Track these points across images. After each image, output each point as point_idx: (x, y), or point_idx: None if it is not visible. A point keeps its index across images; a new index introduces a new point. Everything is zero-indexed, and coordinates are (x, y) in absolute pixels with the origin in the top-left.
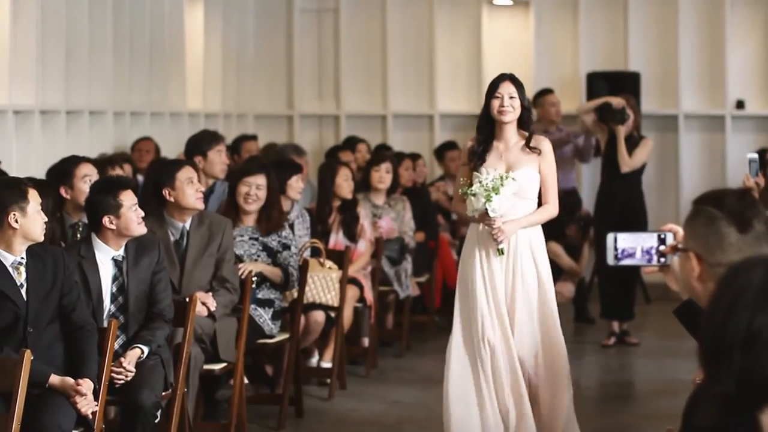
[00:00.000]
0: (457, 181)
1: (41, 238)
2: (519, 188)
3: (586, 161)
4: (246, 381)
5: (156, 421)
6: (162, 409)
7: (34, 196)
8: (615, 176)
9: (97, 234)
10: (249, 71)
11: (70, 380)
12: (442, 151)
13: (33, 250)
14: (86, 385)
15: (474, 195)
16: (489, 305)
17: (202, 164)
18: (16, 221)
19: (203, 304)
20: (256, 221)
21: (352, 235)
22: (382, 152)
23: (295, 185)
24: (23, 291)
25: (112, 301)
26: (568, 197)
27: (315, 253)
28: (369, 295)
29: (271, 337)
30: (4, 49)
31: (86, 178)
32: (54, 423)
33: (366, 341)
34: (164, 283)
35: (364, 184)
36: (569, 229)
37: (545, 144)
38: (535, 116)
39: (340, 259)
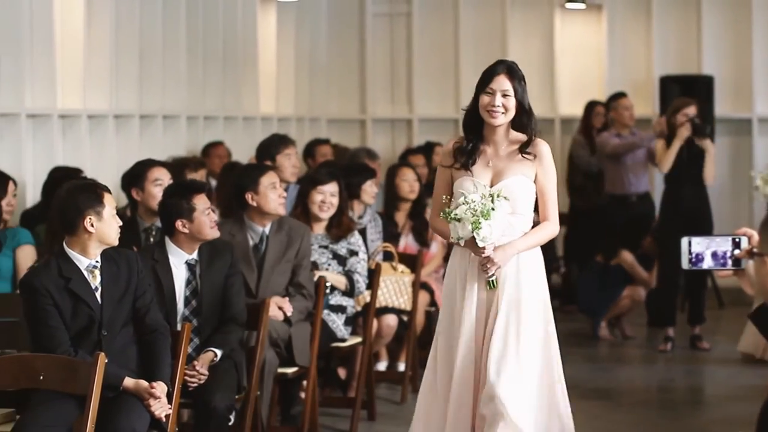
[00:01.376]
0: (436, 190)
1: (116, 243)
2: (510, 202)
3: None
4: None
5: (229, 424)
6: (235, 412)
7: (109, 201)
8: (682, 182)
9: (171, 237)
10: (322, 75)
11: (144, 383)
12: None
13: (107, 254)
14: (160, 387)
15: (458, 220)
16: (476, 344)
17: None
18: (92, 225)
19: (279, 308)
20: (326, 228)
21: (422, 238)
22: None
23: (369, 190)
24: (98, 294)
25: (185, 305)
26: (642, 202)
27: (387, 257)
28: (440, 299)
29: (344, 341)
30: (79, 54)
31: (158, 181)
32: (128, 426)
33: None
34: (237, 286)
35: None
36: (645, 240)
37: (542, 146)
38: (611, 120)
39: (413, 262)
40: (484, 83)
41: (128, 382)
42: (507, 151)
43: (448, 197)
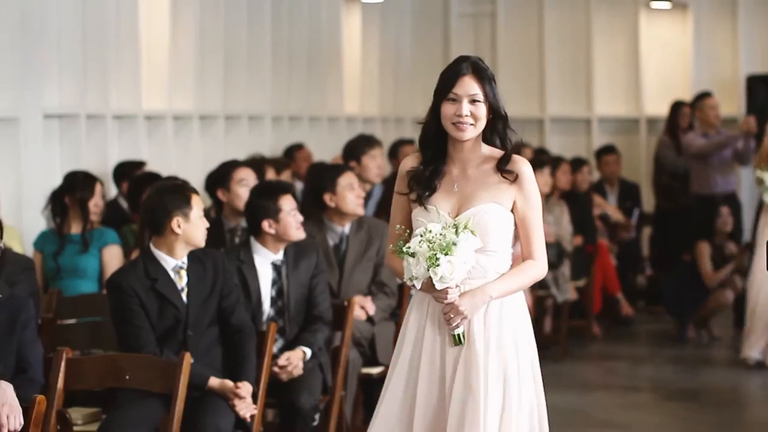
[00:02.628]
0: (392, 219)
1: (203, 244)
2: (479, 236)
3: (746, 164)
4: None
5: (314, 424)
6: (320, 412)
7: (197, 202)
8: None
9: (257, 238)
10: (406, 75)
11: (230, 383)
12: (600, 155)
13: (193, 254)
14: (245, 388)
15: (412, 255)
16: (434, 414)
17: (357, 169)
18: (179, 226)
19: (362, 308)
20: None
21: None
22: (542, 156)
23: None
24: (184, 295)
25: (271, 305)
26: (728, 202)
27: None
28: (527, 300)
29: None
30: (164, 55)
31: (243, 181)
32: (213, 425)
33: None
34: (322, 286)
35: None
36: (729, 245)
37: (522, 165)
38: (694, 120)
39: None
40: (445, 88)
41: (213, 381)
42: (477, 172)
43: (403, 227)
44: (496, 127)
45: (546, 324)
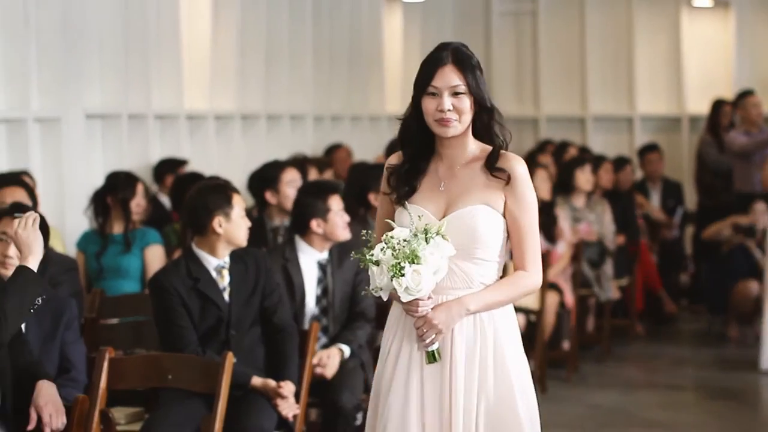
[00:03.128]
0: (377, 223)
1: (245, 244)
2: (466, 241)
3: None
4: None
5: (357, 423)
6: (362, 411)
7: (238, 202)
8: None
9: (303, 237)
10: None
11: (272, 382)
12: (643, 153)
13: (236, 254)
14: (287, 387)
15: (376, 264)
16: None
17: None
18: (220, 226)
19: None
20: None
21: (551, 236)
22: (585, 154)
23: None
24: (226, 294)
25: (316, 303)
26: None
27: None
28: (569, 299)
29: None
30: (205, 54)
31: (292, 182)
32: (256, 424)
33: (566, 345)
34: (366, 283)
35: (564, 187)
36: None
37: (515, 164)
38: (737, 118)
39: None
40: (424, 81)
41: (256, 381)
42: (466, 170)
43: (369, 232)
44: (482, 121)
45: (589, 323)
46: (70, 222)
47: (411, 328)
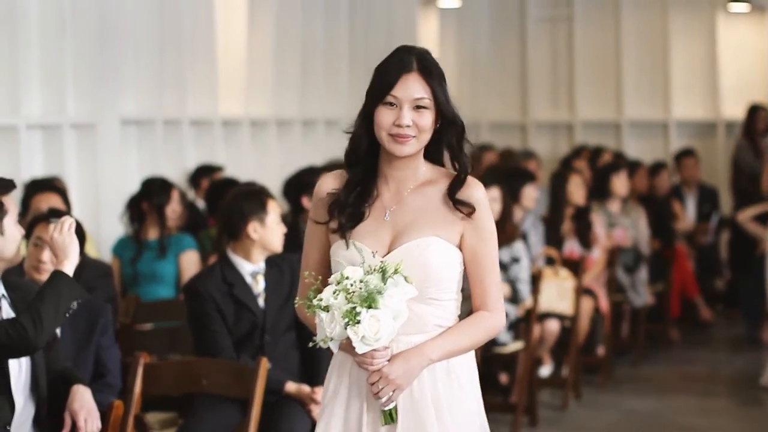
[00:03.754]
0: (304, 256)
1: (280, 249)
2: (417, 279)
3: None
4: None
5: None
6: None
7: (273, 207)
8: None
9: None
10: (483, 80)
11: (307, 388)
12: (679, 158)
13: (271, 259)
14: (321, 393)
15: (325, 310)
16: None
17: None
18: (255, 231)
19: None
20: None
21: (586, 242)
22: (620, 159)
23: (529, 194)
24: (261, 300)
25: None
26: None
27: (549, 261)
28: (604, 304)
29: (505, 346)
30: (242, 60)
31: None
32: (290, 430)
33: (601, 350)
34: None
35: (600, 192)
36: None
37: (475, 190)
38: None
39: (575, 267)
40: (382, 88)
41: (290, 386)
42: (417, 196)
43: (313, 275)
44: (448, 140)
45: (623, 329)
46: (106, 228)
47: (360, 378)
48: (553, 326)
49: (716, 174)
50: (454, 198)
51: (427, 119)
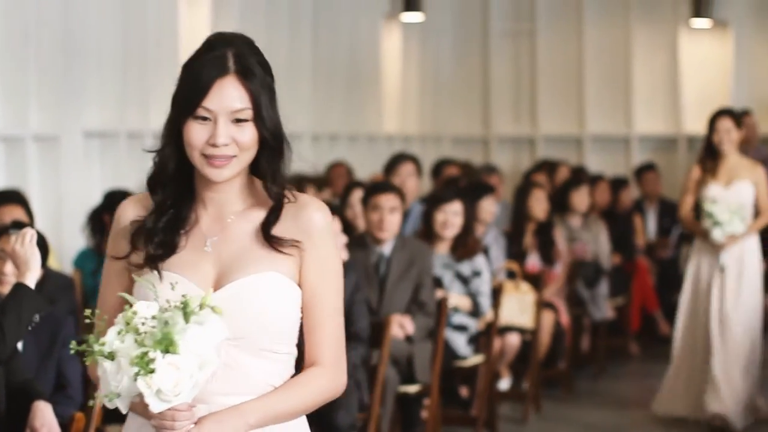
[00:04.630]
0: (101, 296)
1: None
2: (247, 325)
3: None
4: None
5: None
6: (357, 430)
7: None
8: None
9: None
10: (446, 94)
11: None
12: (639, 173)
13: None
14: None
15: (110, 357)
16: None
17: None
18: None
19: (400, 326)
20: (451, 248)
21: (548, 258)
22: (581, 174)
23: (486, 206)
24: None
25: None
26: None
27: (510, 275)
28: (564, 318)
29: (466, 359)
30: None
31: None
32: None
33: (562, 364)
34: (360, 304)
35: (560, 206)
36: None
37: (314, 213)
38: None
39: (536, 281)
40: (191, 98)
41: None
42: (242, 222)
43: (98, 313)
44: (268, 158)
45: (584, 342)
46: (68, 240)
47: None
48: (513, 340)
49: (677, 188)
50: (268, 235)
51: (250, 135)
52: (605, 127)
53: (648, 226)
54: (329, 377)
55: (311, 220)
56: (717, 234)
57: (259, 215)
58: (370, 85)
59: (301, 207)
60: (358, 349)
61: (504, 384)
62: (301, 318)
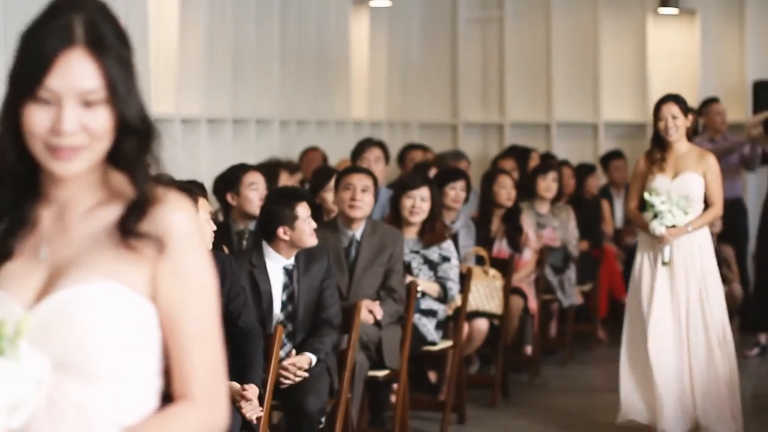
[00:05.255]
0: None
1: (209, 247)
2: (73, 348)
3: (752, 170)
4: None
5: (320, 426)
6: (327, 415)
7: (203, 205)
8: None
9: (270, 243)
10: (414, 80)
11: (236, 385)
12: (607, 161)
13: None
14: (252, 390)
15: None
16: None
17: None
18: None
19: (370, 311)
20: (418, 233)
21: (516, 244)
22: (548, 161)
23: (451, 193)
24: None
25: (281, 309)
26: (733, 207)
27: (479, 261)
28: (533, 304)
29: (435, 344)
30: (172, 58)
31: (253, 186)
32: None
33: (529, 349)
34: (332, 290)
35: (529, 193)
36: (724, 248)
37: (179, 216)
38: (701, 125)
39: (504, 267)
40: (30, 74)
41: None
42: (89, 222)
43: None
44: (124, 149)
45: (551, 328)
46: None
47: None
48: (481, 325)
49: None
50: (127, 229)
51: (103, 120)
52: (573, 114)
53: (615, 213)
54: (200, 413)
55: (169, 222)
56: (656, 225)
57: (111, 213)
58: (338, 71)
59: (158, 206)
60: (330, 336)
61: (473, 369)
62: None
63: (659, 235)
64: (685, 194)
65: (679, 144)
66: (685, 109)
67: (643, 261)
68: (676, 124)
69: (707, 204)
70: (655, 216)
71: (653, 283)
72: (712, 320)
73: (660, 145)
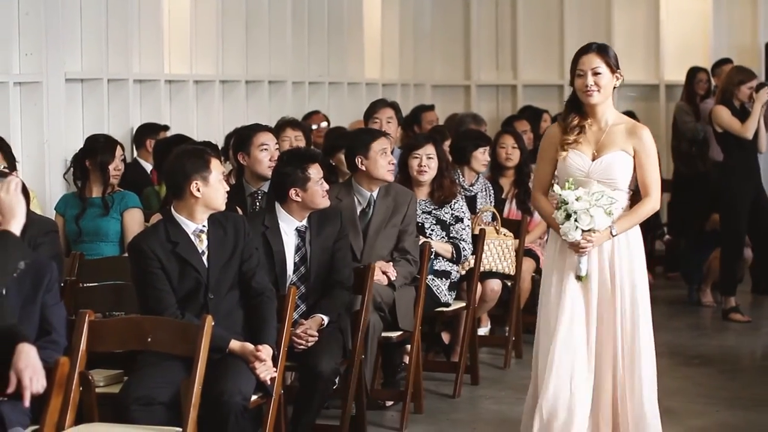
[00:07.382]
0: None
1: (223, 207)
2: None
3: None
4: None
5: (334, 387)
6: (340, 375)
7: (216, 166)
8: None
9: (282, 204)
10: (426, 41)
11: (250, 346)
12: None
13: (214, 218)
14: (266, 351)
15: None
16: None
17: None
18: (198, 190)
19: (384, 273)
20: (429, 194)
21: (525, 206)
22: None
23: (481, 157)
24: (204, 258)
25: (294, 271)
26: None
27: (492, 218)
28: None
29: (448, 305)
30: (186, 20)
31: (263, 146)
32: (234, 388)
33: None
34: (344, 251)
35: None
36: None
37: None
38: (714, 87)
39: (516, 228)
40: None
41: (234, 344)
42: None
43: None
44: None
45: None
46: (51, 185)
47: None
48: (495, 286)
49: (658, 137)
50: None
51: None
52: None
53: None
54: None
55: None
56: (568, 229)
57: None
58: (350, 32)
59: None
60: (342, 297)
61: (481, 331)
62: None
63: (573, 241)
64: (608, 179)
65: (603, 109)
66: (613, 64)
67: (552, 274)
68: (599, 82)
69: (637, 193)
70: (568, 217)
71: (562, 301)
72: (639, 356)
73: (578, 109)
